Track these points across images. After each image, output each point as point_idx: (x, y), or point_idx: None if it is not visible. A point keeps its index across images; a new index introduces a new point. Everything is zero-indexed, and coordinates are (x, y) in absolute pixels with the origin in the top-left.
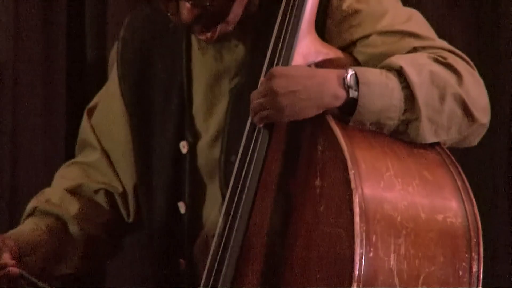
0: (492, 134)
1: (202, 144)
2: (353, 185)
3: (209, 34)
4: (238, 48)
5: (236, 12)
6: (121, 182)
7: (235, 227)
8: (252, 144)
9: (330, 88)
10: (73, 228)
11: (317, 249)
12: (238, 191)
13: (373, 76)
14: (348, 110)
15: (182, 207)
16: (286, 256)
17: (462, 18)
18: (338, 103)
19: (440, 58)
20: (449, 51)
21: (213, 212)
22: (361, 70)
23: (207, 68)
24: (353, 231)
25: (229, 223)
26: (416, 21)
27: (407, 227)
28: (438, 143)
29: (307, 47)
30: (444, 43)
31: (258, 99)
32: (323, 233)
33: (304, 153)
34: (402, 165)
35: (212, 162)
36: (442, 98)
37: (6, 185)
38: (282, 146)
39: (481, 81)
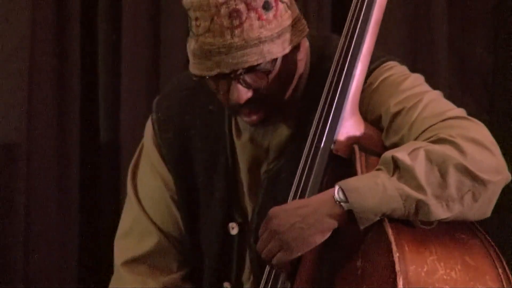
0: None
1: (250, 226)
2: (397, 268)
3: (255, 117)
4: (277, 132)
5: (287, 96)
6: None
7: None
8: None
9: (325, 210)
10: None
11: None
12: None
13: (358, 181)
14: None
15: (227, 287)
16: None
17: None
18: (339, 221)
19: (435, 138)
20: (462, 118)
21: None
22: (346, 181)
23: (245, 152)
24: None
25: None
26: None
27: None
28: (478, 228)
29: (351, 129)
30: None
31: (266, 247)
32: None
33: (346, 234)
34: (444, 250)
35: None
36: (444, 173)
37: (20, 264)
38: None
39: (487, 141)
